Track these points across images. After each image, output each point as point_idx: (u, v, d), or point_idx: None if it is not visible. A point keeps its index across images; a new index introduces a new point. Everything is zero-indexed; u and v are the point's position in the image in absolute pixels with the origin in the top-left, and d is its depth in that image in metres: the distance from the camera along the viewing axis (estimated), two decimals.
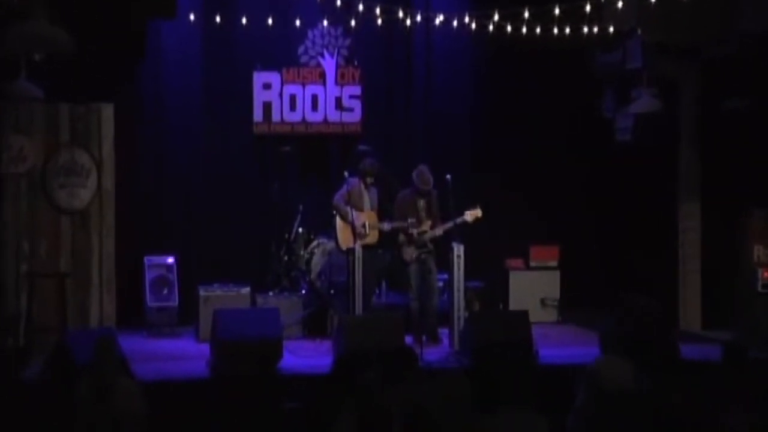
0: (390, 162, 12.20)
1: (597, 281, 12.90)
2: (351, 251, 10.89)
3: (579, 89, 12.91)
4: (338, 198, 11.30)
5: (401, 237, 11.12)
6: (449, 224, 10.99)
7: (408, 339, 10.42)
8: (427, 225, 11.13)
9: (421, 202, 11.17)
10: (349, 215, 11.05)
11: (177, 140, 12.45)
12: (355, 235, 11.06)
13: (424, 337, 10.76)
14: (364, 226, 11.20)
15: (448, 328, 10.94)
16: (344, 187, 11.23)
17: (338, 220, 11.30)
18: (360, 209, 11.25)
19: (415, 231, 11.04)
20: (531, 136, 13.19)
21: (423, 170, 11.12)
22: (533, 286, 12.65)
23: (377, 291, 11.91)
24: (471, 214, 11.02)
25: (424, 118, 13.20)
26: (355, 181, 11.31)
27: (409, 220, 11.03)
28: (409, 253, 11.11)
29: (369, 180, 11.34)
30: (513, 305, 12.44)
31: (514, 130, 13.16)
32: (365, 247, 10.99)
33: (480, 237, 11.51)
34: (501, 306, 12.52)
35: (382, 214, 11.39)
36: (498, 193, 12.53)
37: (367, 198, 11.39)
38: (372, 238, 11.24)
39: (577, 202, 13.31)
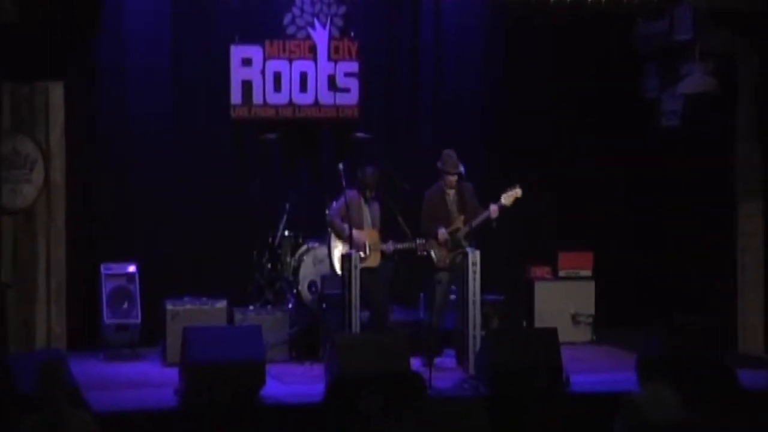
0: (393, 152, 12.20)
1: (638, 294, 12.89)
2: (347, 257, 10.86)
3: (617, 65, 12.92)
4: (333, 213, 11.29)
5: (431, 241, 11.04)
6: (483, 215, 10.94)
7: (415, 362, 10.42)
8: (459, 221, 11.10)
9: (451, 195, 11.14)
10: (346, 232, 11.00)
11: (140, 126, 12.43)
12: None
13: (435, 360, 10.73)
14: (364, 246, 11.16)
15: (454, 348, 10.98)
16: (341, 200, 11.23)
17: (333, 238, 11.28)
18: (359, 227, 11.20)
19: (423, 252, 10.99)
20: (559, 122, 13.17)
21: (448, 153, 11.11)
22: (563, 300, 12.65)
23: None
24: (508, 197, 10.97)
25: (433, 100, 13.21)
26: (353, 193, 11.28)
27: (418, 241, 10.94)
28: (441, 256, 11.05)
29: (369, 194, 11.31)
30: (539, 322, 12.46)
31: (539, 115, 13.15)
32: (364, 271, 10.94)
33: (500, 241, 11.49)
34: (524, 323, 12.54)
35: (385, 232, 11.33)
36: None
37: (368, 213, 11.36)
38: (373, 260, 11.19)
39: (615, 200, 13.31)
